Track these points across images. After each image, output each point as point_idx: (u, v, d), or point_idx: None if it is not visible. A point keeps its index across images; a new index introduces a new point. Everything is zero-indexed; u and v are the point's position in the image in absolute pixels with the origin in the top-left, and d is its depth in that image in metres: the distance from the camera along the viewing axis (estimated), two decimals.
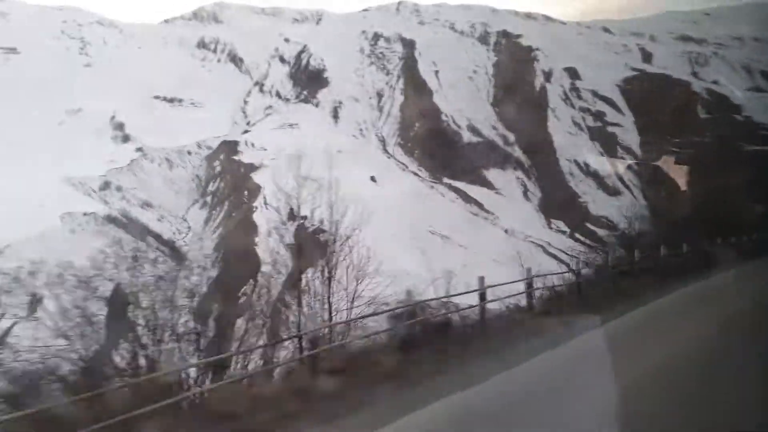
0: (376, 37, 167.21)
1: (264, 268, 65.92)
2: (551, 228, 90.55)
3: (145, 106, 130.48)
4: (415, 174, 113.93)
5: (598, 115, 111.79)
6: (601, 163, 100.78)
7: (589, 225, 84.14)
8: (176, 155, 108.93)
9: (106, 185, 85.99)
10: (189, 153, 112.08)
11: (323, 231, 65.26)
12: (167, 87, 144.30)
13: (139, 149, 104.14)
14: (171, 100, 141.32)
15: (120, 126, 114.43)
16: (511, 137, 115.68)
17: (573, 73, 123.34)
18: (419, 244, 78.35)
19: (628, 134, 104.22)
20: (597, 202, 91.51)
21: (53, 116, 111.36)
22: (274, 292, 53.51)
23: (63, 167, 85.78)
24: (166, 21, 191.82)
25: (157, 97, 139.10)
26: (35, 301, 55.78)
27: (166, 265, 54.63)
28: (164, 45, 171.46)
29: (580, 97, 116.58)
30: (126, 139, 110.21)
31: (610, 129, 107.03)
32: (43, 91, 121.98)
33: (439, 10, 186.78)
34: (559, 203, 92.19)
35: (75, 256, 63.29)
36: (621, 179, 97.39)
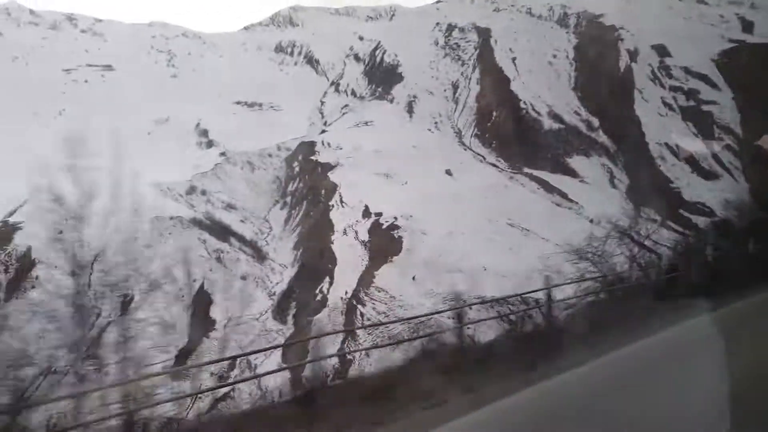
0: (450, 28, 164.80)
1: (339, 266, 66.75)
2: (641, 216, 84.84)
3: (227, 112, 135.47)
4: (494, 165, 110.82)
5: (691, 94, 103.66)
6: (695, 145, 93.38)
7: (683, 212, 78.16)
8: (257, 158, 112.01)
9: (191, 189, 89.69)
10: (269, 155, 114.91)
11: (397, 227, 64.74)
12: (247, 92, 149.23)
13: (222, 154, 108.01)
14: (251, 105, 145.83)
15: (204, 132, 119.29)
16: (595, 122, 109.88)
17: (662, 51, 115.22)
18: (498, 238, 76.09)
19: (726, 112, 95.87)
20: (692, 187, 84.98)
21: (143, 126, 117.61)
22: (349, 289, 53.24)
23: (152, 174, 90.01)
24: (245, 28, 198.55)
25: (238, 103, 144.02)
26: (127, 302, 58.71)
27: (248, 264, 56.12)
28: (244, 51, 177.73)
29: (670, 76, 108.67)
30: (210, 144, 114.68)
31: (705, 108, 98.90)
32: (134, 103, 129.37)
33: None
34: (649, 190, 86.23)
35: (162, 259, 66.57)
36: (719, 161, 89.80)
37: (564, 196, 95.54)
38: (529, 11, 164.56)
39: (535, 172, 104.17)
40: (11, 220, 65.30)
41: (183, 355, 51.58)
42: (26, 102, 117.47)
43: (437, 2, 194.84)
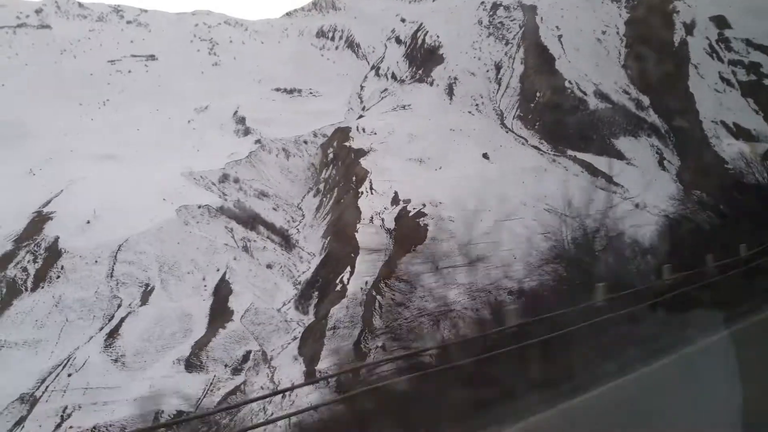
0: (495, 6, 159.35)
1: (362, 255, 64.90)
2: (692, 200, 79.33)
3: (265, 99, 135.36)
4: (536, 148, 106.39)
5: (753, 67, 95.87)
6: (756, 123, 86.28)
7: (737, 195, 72.10)
8: (293, 145, 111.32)
9: (224, 177, 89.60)
10: (305, 142, 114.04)
11: (424, 215, 61.66)
12: (287, 78, 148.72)
13: (258, 141, 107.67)
14: (290, 91, 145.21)
15: (242, 120, 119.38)
16: (646, 101, 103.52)
17: (721, 22, 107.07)
18: (533, 224, 72.41)
19: None
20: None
21: (184, 115, 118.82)
22: (370, 279, 50.63)
23: (188, 162, 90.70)
24: (287, 14, 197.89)
25: (277, 90, 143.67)
26: (147, 292, 59.49)
27: (275, 253, 54.80)
28: (285, 38, 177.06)
29: (730, 49, 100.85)
30: (247, 132, 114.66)
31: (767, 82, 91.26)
32: (176, 92, 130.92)
33: None
34: (701, 172, 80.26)
35: (187, 247, 66.65)
36: None
37: (609, 179, 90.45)
38: None
39: (579, 155, 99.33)
40: (45, 210, 66.58)
41: (198, 347, 51.31)
42: (72, 93, 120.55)
43: None
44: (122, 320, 51.76)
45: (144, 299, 54.90)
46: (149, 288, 56.30)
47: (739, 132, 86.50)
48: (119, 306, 53.66)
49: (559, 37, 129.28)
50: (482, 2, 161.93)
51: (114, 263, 57.61)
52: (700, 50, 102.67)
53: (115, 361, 46.55)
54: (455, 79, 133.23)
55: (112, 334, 49.54)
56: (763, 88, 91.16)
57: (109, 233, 60.07)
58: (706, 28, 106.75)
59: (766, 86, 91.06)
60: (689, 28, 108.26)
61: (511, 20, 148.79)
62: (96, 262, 57.52)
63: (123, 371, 45.16)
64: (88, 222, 62.34)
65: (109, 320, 51.74)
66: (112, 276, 56.41)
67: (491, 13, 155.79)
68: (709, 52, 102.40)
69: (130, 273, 57.43)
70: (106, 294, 54.41)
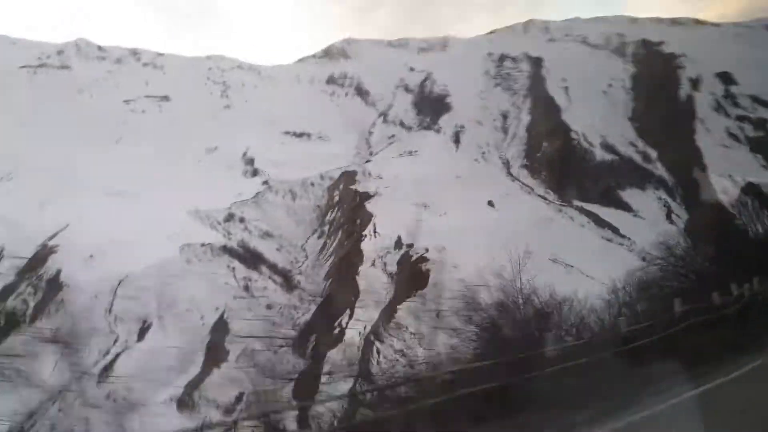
0: (502, 58, 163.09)
1: (362, 299, 64.34)
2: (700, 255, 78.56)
3: (275, 141, 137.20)
4: (542, 197, 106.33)
5: (760, 124, 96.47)
6: (765, 178, 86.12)
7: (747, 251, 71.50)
8: (300, 187, 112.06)
9: (230, 217, 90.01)
10: (312, 184, 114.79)
11: (426, 260, 61.26)
12: (296, 122, 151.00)
13: (265, 182, 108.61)
14: (300, 135, 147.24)
15: (250, 161, 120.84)
16: (653, 154, 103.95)
17: (727, 79, 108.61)
18: (537, 275, 71.80)
19: None
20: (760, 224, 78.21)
21: (193, 155, 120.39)
22: (369, 323, 49.99)
23: (194, 201, 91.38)
24: (300, 60, 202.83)
25: (286, 133, 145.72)
26: (144, 329, 59.00)
27: (276, 293, 54.39)
28: (297, 83, 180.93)
29: (736, 105, 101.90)
30: (255, 173, 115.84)
31: None
32: (188, 132, 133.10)
33: (570, 26, 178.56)
34: (710, 226, 79.81)
35: (187, 285, 66.44)
36: None
37: (615, 230, 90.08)
38: (584, 40, 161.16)
39: (586, 205, 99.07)
40: (51, 243, 66.92)
41: (191, 387, 50.45)
42: (88, 130, 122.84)
43: (490, 33, 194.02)
44: (117, 356, 51.21)
45: (141, 335, 54.47)
46: (146, 324, 55.95)
47: (749, 188, 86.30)
48: (115, 342, 53.20)
49: (566, 88, 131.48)
50: (490, 53, 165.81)
51: (113, 298, 57.53)
52: (706, 105, 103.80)
53: (107, 397, 45.78)
54: (462, 127, 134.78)
55: (107, 370, 48.97)
56: None
57: (111, 268, 60.10)
58: (712, 84, 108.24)
59: None
60: (695, 83, 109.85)
61: (518, 71, 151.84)
62: (96, 296, 57.44)
63: (113, 409, 44.31)
64: (91, 256, 62.56)
65: (104, 355, 51.22)
66: (110, 311, 56.21)
67: (498, 63, 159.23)
68: (716, 108, 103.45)
69: (129, 308, 57.20)
70: (103, 329, 54.02)
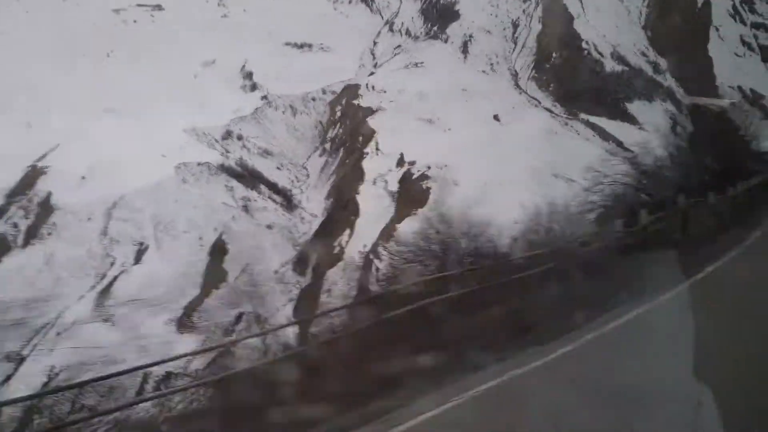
0: None
1: (363, 217, 63.41)
2: (703, 167, 76.83)
3: (275, 53, 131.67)
4: (549, 110, 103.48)
5: None
6: None
7: (749, 163, 69.91)
8: (300, 102, 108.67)
9: (228, 134, 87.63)
10: (313, 99, 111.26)
11: (428, 177, 59.24)
12: (298, 33, 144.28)
13: (264, 97, 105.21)
14: (301, 46, 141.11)
15: (249, 75, 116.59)
16: (663, 64, 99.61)
17: None
18: (539, 189, 70.38)
19: None
20: (763, 137, 75.84)
21: (189, 69, 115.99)
22: (369, 242, 49.05)
23: (191, 118, 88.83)
24: None
25: (287, 44, 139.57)
26: (141, 251, 58.74)
27: (276, 213, 53.31)
28: None
29: (753, 11, 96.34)
30: (254, 87, 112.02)
31: None
32: (183, 45, 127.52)
33: None
34: (714, 139, 77.48)
35: (184, 206, 65.51)
36: None
37: (620, 144, 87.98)
38: None
39: (592, 118, 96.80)
40: (40, 164, 65.43)
41: (190, 308, 50.64)
42: (75, 44, 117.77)
43: None
44: (114, 279, 51.14)
45: (138, 258, 54.15)
46: (143, 247, 55.50)
47: (755, 98, 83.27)
48: (112, 264, 52.98)
49: None
50: None
51: (108, 221, 56.84)
52: (723, 12, 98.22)
53: (106, 321, 46.11)
54: (470, 36, 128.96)
55: (104, 294, 49.00)
56: None
57: (105, 189, 59.03)
58: None
59: None
60: None
61: None
62: (89, 219, 56.74)
63: (113, 331, 44.64)
64: (83, 177, 61.33)
65: (101, 279, 51.12)
66: (105, 234, 55.66)
67: None
68: (732, 14, 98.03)
69: (125, 231, 56.56)
70: (99, 252, 53.71)
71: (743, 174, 26.59)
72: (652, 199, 24.34)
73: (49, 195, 59.16)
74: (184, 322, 46.60)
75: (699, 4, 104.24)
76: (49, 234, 54.97)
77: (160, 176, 63.56)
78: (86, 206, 57.39)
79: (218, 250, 55.80)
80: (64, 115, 79.88)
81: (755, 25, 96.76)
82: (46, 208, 57.62)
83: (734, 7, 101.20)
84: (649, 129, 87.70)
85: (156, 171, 64.18)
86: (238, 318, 47.38)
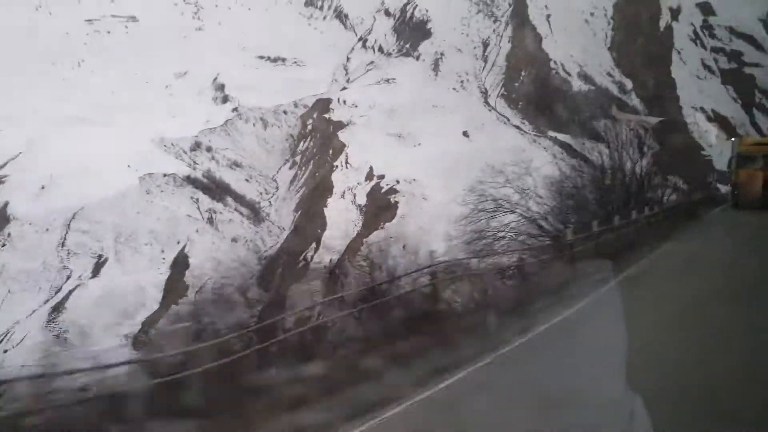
0: None
1: (330, 231, 63.83)
2: (667, 184, 79.27)
3: (248, 66, 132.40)
4: (517, 127, 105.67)
5: (734, 55, 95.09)
6: (733, 110, 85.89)
7: (712, 181, 72.42)
8: (272, 115, 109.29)
9: (196, 146, 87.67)
10: (285, 112, 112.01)
11: (396, 191, 60.30)
12: (272, 47, 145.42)
13: (235, 109, 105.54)
14: (275, 60, 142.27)
15: (221, 87, 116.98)
16: (629, 84, 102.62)
17: (706, 9, 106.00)
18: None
19: None
20: (724, 156, 78.69)
21: (161, 80, 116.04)
22: (335, 256, 49.66)
23: (160, 128, 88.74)
24: None
25: (261, 57, 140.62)
26: (100, 264, 58.18)
27: (242, 226, 53.65)
28: (273, 5, 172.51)
29: (713, 36, 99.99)
30: (225, 99, 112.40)
31: (747, 70, 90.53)
32: (156, 55, 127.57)
33: None
34: (678, 157, 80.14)
35: (147, 217, 65.30)
36: (757, 128, 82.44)
37: (586, 160, 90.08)
38: None
39: (560, 136, 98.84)
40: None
41: (148, 324, 50.23)
42: (46, 51, 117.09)
43: None
44: (70, 293, 50.49)
45: (95, 271, 53.62)
46: (102, 259, 55.03)
47: (717, 118, 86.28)
48: (68, 278, 52.34)
49: (548, 16, 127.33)
50: None
51: (66, 232, 56.28)
52: (685, 36, 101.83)
53: (57, 336, 45.25)
54: (442, 54, 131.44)
55: (58, 308, 48.26)
56: (742, 77, 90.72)
57: (65, 200, 58.53)
58: (691, 14, 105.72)
59: (746, 75, 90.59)
60: (675, 13, 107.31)
61: None
62: (47, 230, 56.12)
63: (65, 348, 43.99)
64: (43, 187, 60.76)
65: (56, 293, 50.43)
66: (63, 245, 55.07)
67: None
68: (693, 38, 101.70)
69: (83, 243, 56.09)
70: (55, 264, 53.08)
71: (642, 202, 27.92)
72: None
73: (5, 205, 58.32)
74: (141, 339, 46.10)
75: (662, 29, 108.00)
76: (3, 245, 54.10)
77: (124, 187, 63.25)
78: (45, 217, 56.76)
79: (180, 264, 55.46)
80: (29, 124, 79.31)
81: (715, 50, 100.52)
82: (1, 218, 56.77)
83: (695, 32, 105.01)
84: (615, 147, 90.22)
85: (120, 181, 63.86)
86: (198, 335, 46.90)
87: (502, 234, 23.77)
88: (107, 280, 52.24)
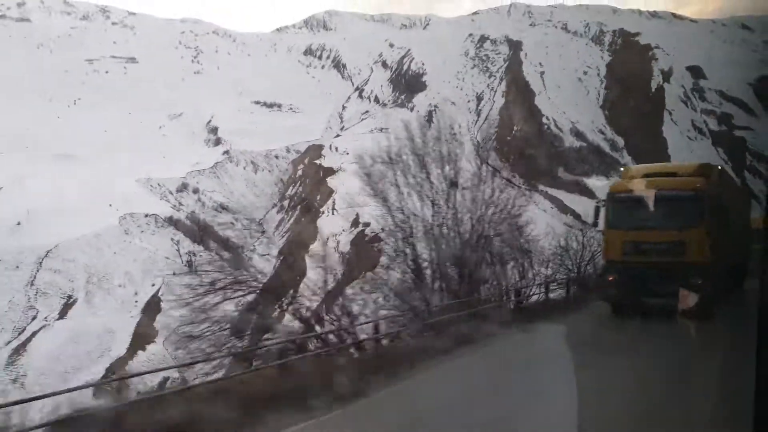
0: (482, 39, 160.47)
1: (308, 278, 61.95)
2: None
3: (243, 110, 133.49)
4: (508, 181, 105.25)
5: (724, 118, 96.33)
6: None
7: None
8: (263, 159, 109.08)
9: (183, 187, 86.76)
10: (276, 157, 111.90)
11: (380, 240, 57.97)
12: (268, 93, 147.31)
13: (226, 152, 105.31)
14: (270, 106, 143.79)
15: (214, 130, 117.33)
16: (620, 142, 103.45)
17: (697, 72, 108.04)
18: (492, 259, 70.77)
19: (761, 138, 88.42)
20: None
21: (156, 120, 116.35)
22: (312, 305, 46.93)
23: (147, 169, 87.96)
24: (278, 29, 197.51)
25: (257, 103, 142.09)
26: (69, 305, 56.07)
27: (222, 270, 50.87)
28: (273, 52, 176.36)
29: (703, 99, 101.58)
30: (217, 142, 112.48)
31: (738, 133, 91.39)
32: (152, 97, 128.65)
33: (553, 11, 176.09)
34: None
35: (123, 258, 63.59)
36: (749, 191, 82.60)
37: (577, 217, 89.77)
38: (564, 27, 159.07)
39: (551, 191, 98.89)
40: None
41: (113, 370, 47.79)
42: (43, 88, 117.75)
43: (474, 14, 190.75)
44: (33, 334, 48.13)
45: (63, 312, 51.45)
46: (71, 300, 52.97)
47: None
48: (34, 318, 50.12)
49: (542, 73, 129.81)
50: (470, 34, 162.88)
51: (38, 270, 54.43)
52: (675, 97, 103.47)
53: (14, 381, 42.54)
54: (435, 106, 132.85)
55: (19, 350, 45.75)
56: (733, 139, 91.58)
57: (40, 237, 56.88)
58: (682, 77, 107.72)
59: (736, 137, 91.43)
60: (666, 75, 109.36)
61: (497, 53, 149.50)
62: (17, 267, 54.23)
63: (20, 393, 41.38)
64: (18, 223, 59.23)
65: (19, 334, 48.06)
66: (32, 284, 53.07)
67: (478, 45, 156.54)
68: (684, 100, 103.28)
69: (54, 282, 54.15)
70: (22, 304, 50.94)
71: None
72: None
73: None
74: (102, 386, 43.49)
75: (653, 89, 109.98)
76: None
77: (103, 226, 61.76)
78: (16, 254, 54.95)
79: (152, 308, 53.36)
80: (15, 159, 78.46)
81: (705, 112, 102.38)
82: None
83: (686, 93, 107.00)
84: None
85: (99, 220, 62.45)
86: (162, 384, 44.69)
87: None
88: (75, 322, 50.04)
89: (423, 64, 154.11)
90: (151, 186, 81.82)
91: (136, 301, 54.92)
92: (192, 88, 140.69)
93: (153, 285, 57.10)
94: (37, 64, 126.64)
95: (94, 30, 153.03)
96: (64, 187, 67.87)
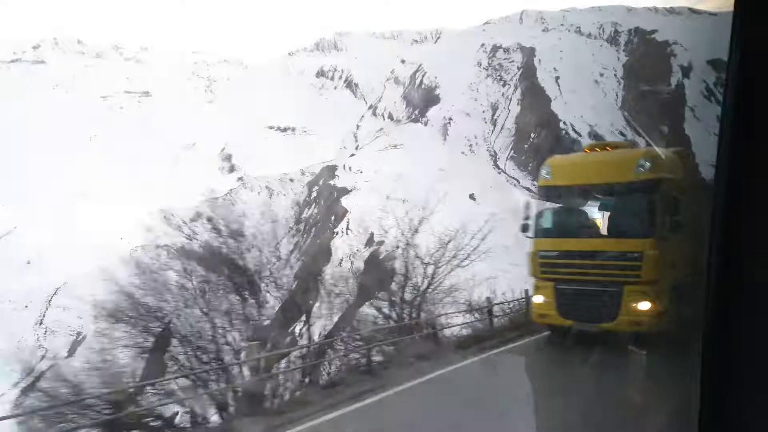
0: (495, 48, 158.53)
1: (322, 301, 60.02)
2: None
3: (257, 136, 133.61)
4: (528, 189, 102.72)
5: None
6: None
7: None
8: (278, 183, 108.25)
9: (197, 216, 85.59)
10: (291, 180, 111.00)
11: (394, 258, 55.09)
12: (282, 117, 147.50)
13: (240, 179, 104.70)
14: (284, 130, 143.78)
15: (228, 157, 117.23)
16: (641, 143, 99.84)
17: (719, 66, 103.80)
18: (511, 268, 68.05)
19: None
20: None
21: (169, 151, 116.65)
22: (325, 329, 44.47)
23: (161, 200, 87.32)
24: (289, 54, 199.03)
25: (270, 128, 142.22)
26: (77, 342, 54.82)
27: (236, 298, 48.93)
28: (285, 77, 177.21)
29: None
30: (232, 169, 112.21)
31: None
32: (166, 129, 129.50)
33: (565, 15, 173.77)
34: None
35: (134, 292, 62.26)
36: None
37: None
38: (578, 30, 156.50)
39: None
40: None
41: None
42: (60, 128, 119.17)
43: (485, 23, 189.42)
44: (41, 374, 46.94)
45: (72, 350, 50.22)
46: (80, 338, 51.77)
47: None
48: (42, 357, 49.02)
49: (557, 78, 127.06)
50: (483, 44, 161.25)
51: (47, 309, 53.55)
52: (697, 93, 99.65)
53: (22, 424, 41.28)
54: (450, 119, 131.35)
55: (26, 392, 44.55)
56: None
57: (50, 275, 56.22)
58: (703, 72, 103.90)
59: None
60: (686, 71, 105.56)
61: (510, 62, 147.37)
62: (26, 307, 53.43)
63: None
64: (29, 262, 58.67)
65: (28, 374, 46.82)
66: (41, 323, 52.15)
67: (491, 54, 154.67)
68: (706, 95, 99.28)
69: (63, 320, 53.18)
70: (31, 343, 49.93)
71: None
72: None
73: None
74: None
75: (673, 86, 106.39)
76: None
77: (114, 260, 60.65)
78: (26, 293, 54.28)
79: (164, 339, 51.90)
80: (30, 198, 78.74)
81: None
82: None
83: (707, 88, 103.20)
84: None
85: (110, 255, 61.38)
86: (171, 418, 43.00)
87: None
88: (83, 360, 48.76)
89: (435, 77, 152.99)
90: (165, 217, 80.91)
91: (150, 333, 53.53)
92: (205, 117, 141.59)
93: (165, 316, 55.46)
94: (54, 106, 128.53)
95: (107, 67, 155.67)
96: (77, 224, 67.40)
